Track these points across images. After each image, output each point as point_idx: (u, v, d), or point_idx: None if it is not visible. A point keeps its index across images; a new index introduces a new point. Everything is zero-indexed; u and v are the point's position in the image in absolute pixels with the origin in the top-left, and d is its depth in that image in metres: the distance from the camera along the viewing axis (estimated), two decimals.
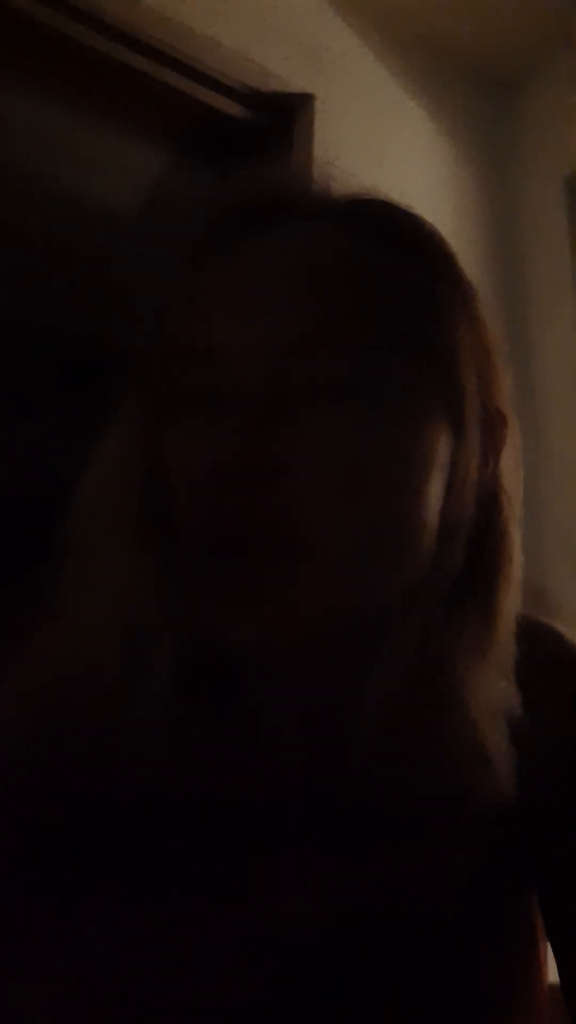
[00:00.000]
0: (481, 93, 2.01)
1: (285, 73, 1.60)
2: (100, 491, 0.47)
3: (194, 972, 0.42)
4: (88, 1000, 0.40)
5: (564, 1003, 0.47)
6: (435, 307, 0.47)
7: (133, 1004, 0.41)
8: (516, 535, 0.48)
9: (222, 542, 0.41)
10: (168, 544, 0.44)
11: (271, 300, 0.43)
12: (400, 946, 0.43)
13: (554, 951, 0.48)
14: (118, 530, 0.45)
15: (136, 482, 0.46)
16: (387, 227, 0.49)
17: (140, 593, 0.44)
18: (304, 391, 0.42)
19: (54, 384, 1.28)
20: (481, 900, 0.46)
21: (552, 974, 0.49)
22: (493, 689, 0.45)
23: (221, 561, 0.41)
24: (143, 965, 0.42)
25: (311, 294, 0.43)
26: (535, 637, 0.49)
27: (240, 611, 0.41)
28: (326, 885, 0.43)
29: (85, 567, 0.46)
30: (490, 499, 0.47)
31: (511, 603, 0.46)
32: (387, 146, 1.75)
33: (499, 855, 0.46)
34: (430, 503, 0.44)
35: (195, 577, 0.42)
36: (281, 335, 0.42)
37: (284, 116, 1.61)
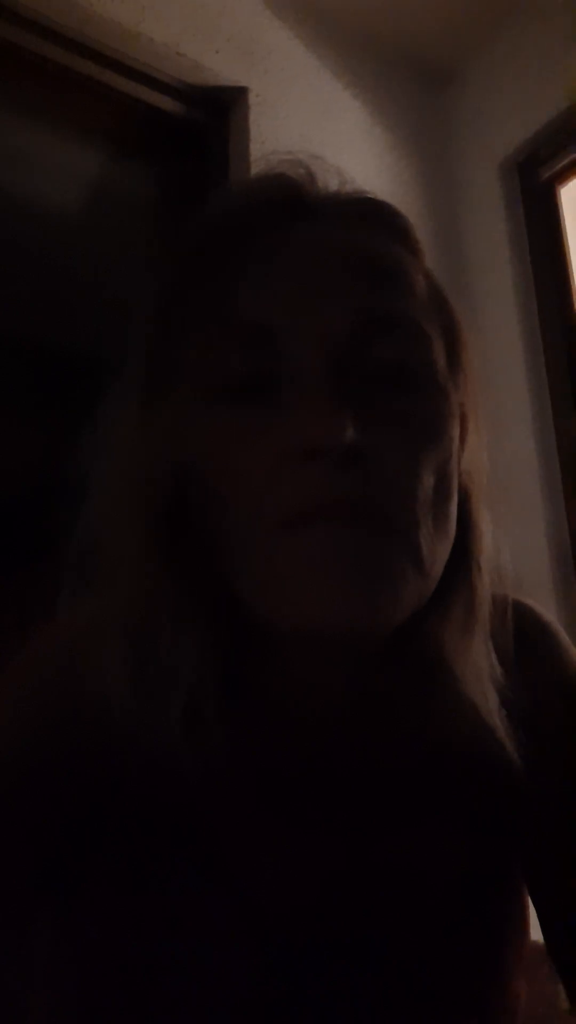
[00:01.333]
0: (415, 83, 2.03)
1: (218, 67, 1.60)
2: (120, 489, 0.46)
3: (195, 966, 0.42)
4: (91, 996, 0.40)
5: (549, 960, 0.48)
6: (444, 298, 0.50)
7: (135, 1001, 0.41)
8: (486, 518, 0.49)
9: (315, 509, 0.40)
10: (190, 542, 0.44)
11: (322, 286, 0.44)
12: (401, 939, 0.44)
13: (538, 913, 0.49)
14: (139, 529, 0.45)
15: (161, 478, 0.45)
16: (395, 224, 0.50)
17: (160, 593, 0.43)
18: (367, 370, 0.43)
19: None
20: (479, 871, 0.47)
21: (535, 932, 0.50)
22: (481, 664, 0.46)
23: (317, 528, 0.40)
24: (145, 962, 0.42)
25: (359, 280, 0.44)
26: (515, 615, 0.51)
27: (341, 577, 0.39)
28: (328, 871, 0.44)
29: (104, 566, 0.46)
30: (465, 480, 0.49)
31: (487, 582, 0.47)
32: (324, 137, 1.75)
33: (497, 826, 0.48)
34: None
35: (278, 550, 0.40)
36: (341, 322, 0.43)
37: (219, 110, 1.60)
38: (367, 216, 0.49)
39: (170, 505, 0.45)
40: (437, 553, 0.43)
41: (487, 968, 0.47)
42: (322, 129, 1.76)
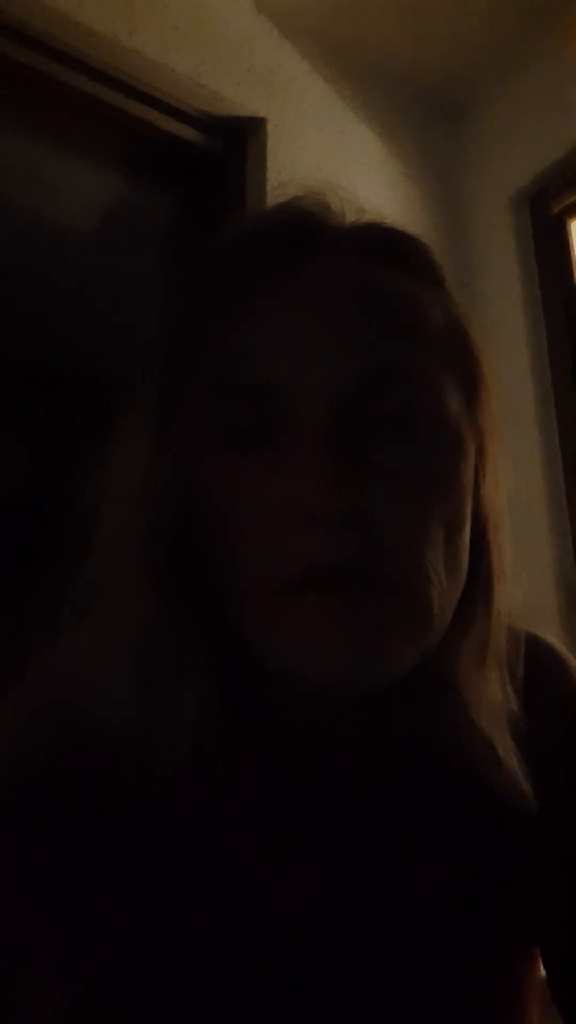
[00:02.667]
0: (429, 116, 2.06)
1: (237, 98, 1.63)
2: (127, 519, 0.46)
3: (196, 968, 0.42)
4: (91, 998, 0.41)
5: (551, 998, 0.48)
6: (464, 333, 0.49)
7: (136, 1003, 0.41)
8: (508, 549, 0.48)
9: (310, 578, 0.39)
10: (194, 581, 0.44)
11: (329, 335, 0.42)
12: (402, 941, 0.45)
13: (542, 951, 0.49)
14: (143, 566, 0.45)
15: (169, 511, 0.45)
16: (412, 256, 0.49)
17: (165, 632, 0.44)
18: (372, 424, 0.41)
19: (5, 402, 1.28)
20: (483, 896, 0.47)
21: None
22: (494, 695, 0.46)
23: (312, 597, 0.39)
24: (145, 963, 0.42)
25: (369, 328, 0.43)
26: (534, 651, 0.51)
27: (337, 645, 0.39)
28: (331, 882, 0.45)
29: (108, 592, 0.46)
30: (484, 514, 0.48)
31: (502, 615, 0.47)
32: (338, 168, 1.78)
33: (503, 856, 0.48)
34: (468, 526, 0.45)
35: (275, 614, 0.40)
36: (346, 375, 0.41)
37: (237, 140, 1.63)
38: (383, 250, 0.48)
39: (176, 537, 0.44)
40: (447, 602, 0.42)
41: (489, 977, 0.47)
42: (337, 160, 1.79)
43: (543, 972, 0.49)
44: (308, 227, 0.47)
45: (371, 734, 0.48)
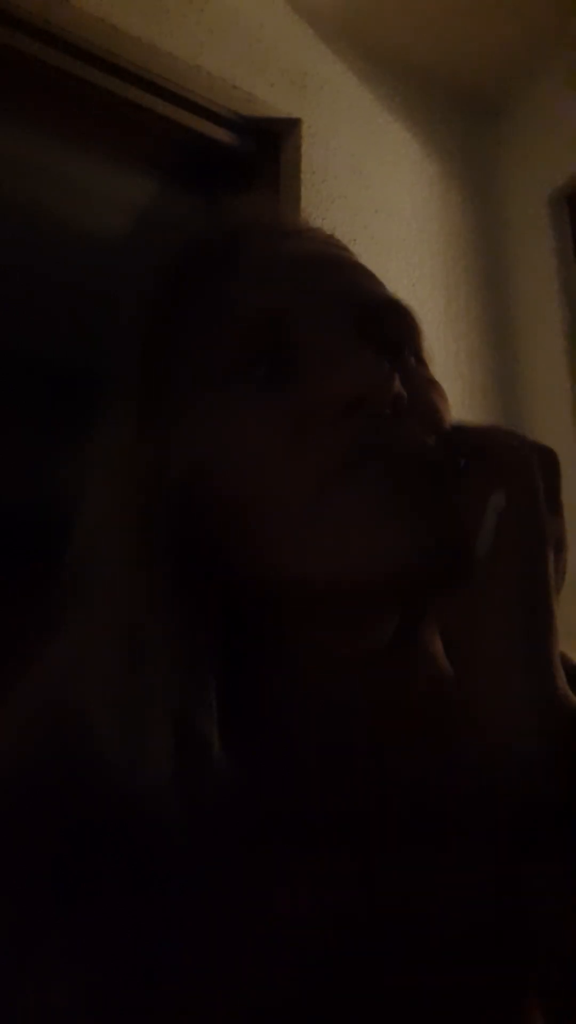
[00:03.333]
0: (464, 114, 2.04)
1: (271, 99, 1.63)
2: (112, 504, 0.47)
3: (198, 972, 0.42)
4: (94, 1001, 0.40)
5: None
6: None
7: (138, 1006, 0.41)
8: None
9: (360, 457, 0.41)
10: (192, 565, 0.44)
11: (330, 279, 0.47)
12: (414, 952, 0.44)
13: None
14: (132, 544, 0.45)
15: (159, 487, 0.45)
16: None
17: (155, 613, 0.44)
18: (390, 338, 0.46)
19: (39, 411, 1.29)
20: (499, 908, 0.46)
21: None
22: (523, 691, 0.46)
23: (366, 474, 0.41)
24: (148, 967, 0.42)
25: (358, 273, 0.49)
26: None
27: (393, 514, 0.40)
28: (338, 883, 0.44)
29: (93, 583, 0.46)
30: None
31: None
32: (373, 168, 1.78)
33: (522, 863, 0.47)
34: None
35: (314, 508, 0.41)
36: (350, 302, 0.46)
37: (271, 141, 1.63)
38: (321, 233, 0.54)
39: (168, 516, 0.45)
40: None
41: (508, 994, 0.46)
42: (372, 160, 1.79)
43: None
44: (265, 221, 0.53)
45: (380, 732, 0.47)
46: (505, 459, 0.43)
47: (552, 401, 1.80)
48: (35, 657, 0.50)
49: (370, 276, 0.50)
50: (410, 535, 0.40)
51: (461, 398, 1.66)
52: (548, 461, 0.45)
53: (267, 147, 1.62)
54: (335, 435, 0.41)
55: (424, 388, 0.46)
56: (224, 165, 1.60)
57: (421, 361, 0.49)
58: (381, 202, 1.74)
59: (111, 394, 0.50)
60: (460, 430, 0.46)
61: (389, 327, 0.47)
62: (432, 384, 0.48)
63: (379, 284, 0.50)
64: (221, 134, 1.56)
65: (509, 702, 0.41)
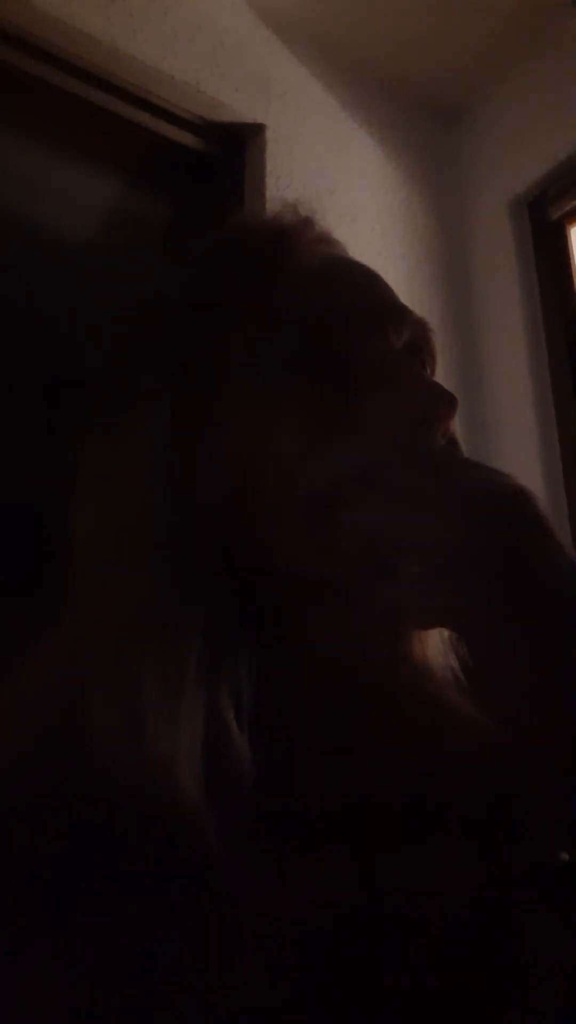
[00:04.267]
0: (427, 121, 2.06)
1: (236, 104, 1.63)
2: (125, 502, 0.46)
3: (198, 974, 0.42)
4: (93, 1002, 0.40)
5: None
6: None
7: (138, 1007, 0.41)
8: None
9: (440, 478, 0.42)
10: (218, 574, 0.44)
11: (378, 281, 0.50)
12: (414, 952, 0.44)
13: None
14: (154, 559, 0.45)
15: (182, 484, 0.45)
16: None
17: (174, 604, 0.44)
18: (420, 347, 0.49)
19: (23, 409, 1.27)
20: (498, 908, 0.46)
21: None
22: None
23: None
24: (147, 968, 0.41)
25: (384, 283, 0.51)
26: None
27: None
28: (339, 887, 0.44)
29: (107, 585, 0.46)
30: None
31: None
32: (337, 174, 1.79)
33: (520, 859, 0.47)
34: None
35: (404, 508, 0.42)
36: (399, 312, 0.48)
37: (236, 145, 1.64)
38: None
39: (198, 520, 0.45)
40: None
41: (508, 994, 0.46)
42: (336, 165, 1.80)
43: None
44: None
45: (382, 731, 0.48)
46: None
47: (514, 405, 1.82)
48: (32, 654, 0.50)
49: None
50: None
51: None
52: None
53: (232, 152, 1.63)
54: (406, 450, 0.43)
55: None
56: (189, 169, 1.60)
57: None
58: (345, 208, 1.75)
59: (118, 394, 0.50)
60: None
61: (428, 345, 0.49)
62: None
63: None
64: (185, 138, 1.56)
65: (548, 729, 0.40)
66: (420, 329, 0.50)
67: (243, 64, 1.68)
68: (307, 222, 0.53)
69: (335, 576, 0.44)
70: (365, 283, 0.50)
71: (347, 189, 1.79)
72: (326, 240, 0.53)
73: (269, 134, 1.67)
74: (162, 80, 1.51)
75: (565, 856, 0.43)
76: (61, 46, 1.37)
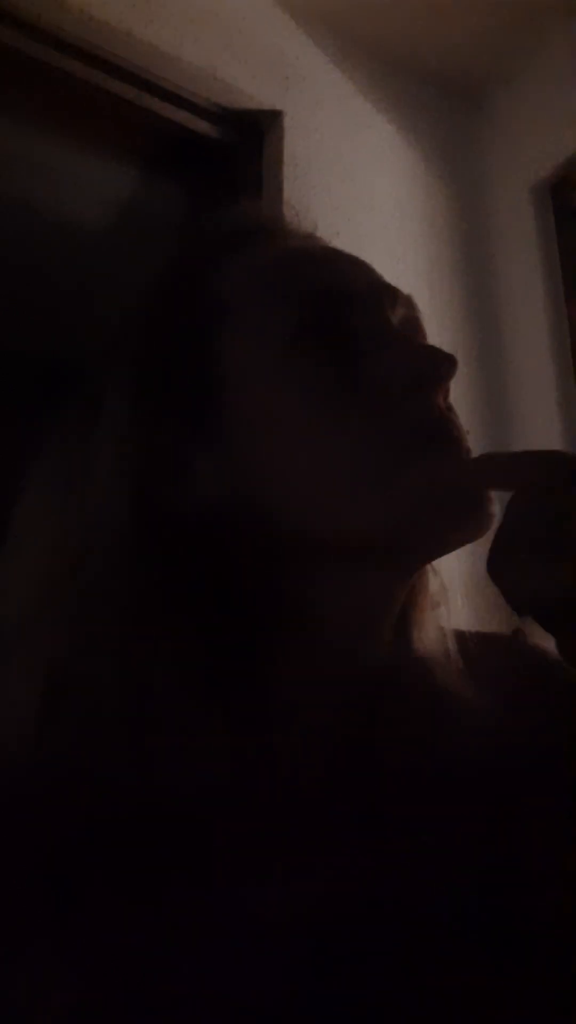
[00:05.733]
0: (447, 105, 2.04)
1: (253, 91, 1.62)
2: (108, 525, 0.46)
3: (198, 973, 0.41)
4: (93, 1002, 0.40)
5: None
6: None
7: (138, 1007, 0.41)
8: None
9: (431, 435, 0.45)
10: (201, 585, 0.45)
11: (362, 264, 0.52)
12: (409, 949, 0.44)
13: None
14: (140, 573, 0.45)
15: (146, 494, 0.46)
16: None
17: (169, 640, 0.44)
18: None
19: (17, 402, 1.27)
20: (497, 895, 0.46)
21: None
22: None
23: (433, 450, 0.45)
24: (148, 967, 0.41)
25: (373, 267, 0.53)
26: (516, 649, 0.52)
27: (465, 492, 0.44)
28: (339, 882, 0.44)
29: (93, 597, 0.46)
30: None
31: None
32: (356, 160, 1.77)
33: (512, 846, 0.47)
34: None
35: (392, 476, 0.44)
36: (390, 288, 0.51)
37: (253, 133, 1.62)
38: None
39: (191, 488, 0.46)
40: None
41: (510, 983, 0.46)
42: (355, 151, 1.78)
43: None
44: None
45: (377, 724, 0.47)
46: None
47: (537, 392, 1.80)
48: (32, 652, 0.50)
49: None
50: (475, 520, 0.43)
51: None
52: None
53: (249, 139, 1.61)
54: (404, 410, 0.45)
55: None
56: (206, 157, 1.59)
57: None
58: (364, 194, 1.74)
59: (122, 377, 0.50)
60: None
61: (418, 321, 0.52)
62: None
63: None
64: (202, 126, 1.55)
65: None
66: (410, 306, 0.52)
67: (260, 50, 1.66)
68: (301, 219, 0.57)
69: (355, 542, 0.45)
70: (355, 263, 0.52)
71: (366, 176, 1.77)
72: (306, 233, 0.56)
73: (287, 121, 1.66)
74: (178, 67, 1.50)
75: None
76: (75, 33, 1.36)
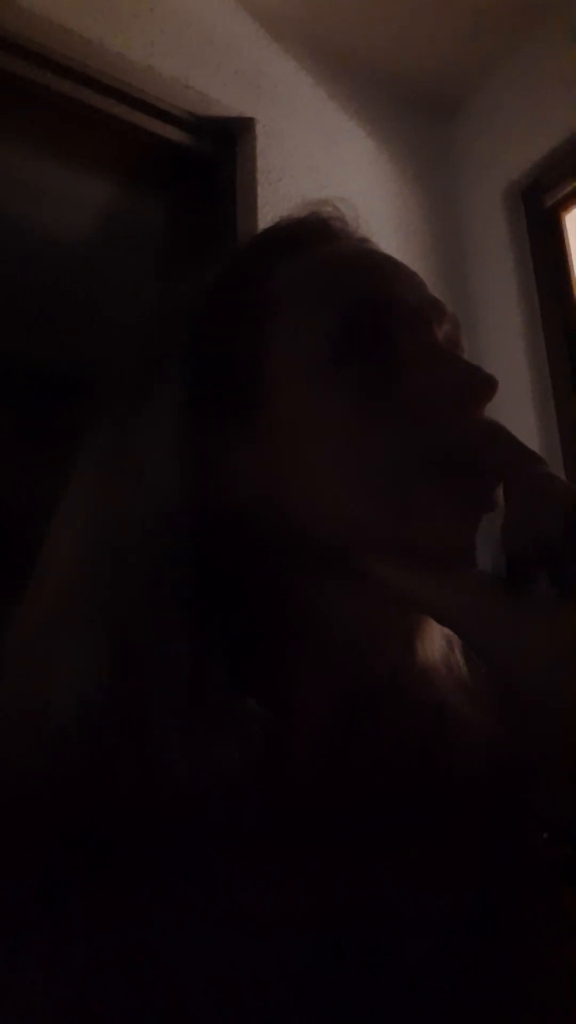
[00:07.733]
0: (420, 112, 2.05)
1: (225, 99, 1.62)
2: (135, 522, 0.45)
3: (198, 973, 0.41)
4: (91, 1002, 0.40)
5: None
6: None
7: (135, 1007, 0.41)
8: None
9: (460, 460, 0.44)
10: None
11: (411, 274, 0.52)
12: (404, 953, 0.44)
13: None
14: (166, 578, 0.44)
15: (214, 466, 0.46)
16: None
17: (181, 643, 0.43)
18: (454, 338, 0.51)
19: (9, 405, 1.27)
20: (489, 909, 0.46)
21: None
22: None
23: (464, 476, 0.44)
24: (145, 967, 0.41)
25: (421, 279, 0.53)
26: None
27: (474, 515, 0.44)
28: (336, 885, 0.44)
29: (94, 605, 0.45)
30: None
31: None
32: (330, 167, 1.78)
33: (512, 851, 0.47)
34: None
35: (431, 498, 0.44)
36: (436, 302, 0.50)
37: (226, 141, 1.63)
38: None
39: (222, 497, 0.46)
40: None
41: (509, 986, 0.46)
42: (328, 158, 1.79)
43: None
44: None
45: (374, 735, 0.47)
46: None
47: (512, 394, 1.82)
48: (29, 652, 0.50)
49: None
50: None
51: None
52: None
53: (222, 147, 1.62)
54: (444, 430, 0.44)
55: None
56: (180, 165, 1.59)
57: None
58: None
59: (140, 384, 0.49)
60: None
61: (459, 340, 0.51)
62: None
63: None
64: (175, 134, 1.55)
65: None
66: (454, 325, 0.51)
67: (232, 60, 1.67)
68: (344, 218, 0.55)
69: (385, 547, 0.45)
70: (407, 275, 0.51)
71: (340, 183, 1.78)
72: (362, 237, 0.55)
73: (259, 128, 1.66)
74: (150, 77, 1.50)
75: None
76: (45, 44, 1.36)
